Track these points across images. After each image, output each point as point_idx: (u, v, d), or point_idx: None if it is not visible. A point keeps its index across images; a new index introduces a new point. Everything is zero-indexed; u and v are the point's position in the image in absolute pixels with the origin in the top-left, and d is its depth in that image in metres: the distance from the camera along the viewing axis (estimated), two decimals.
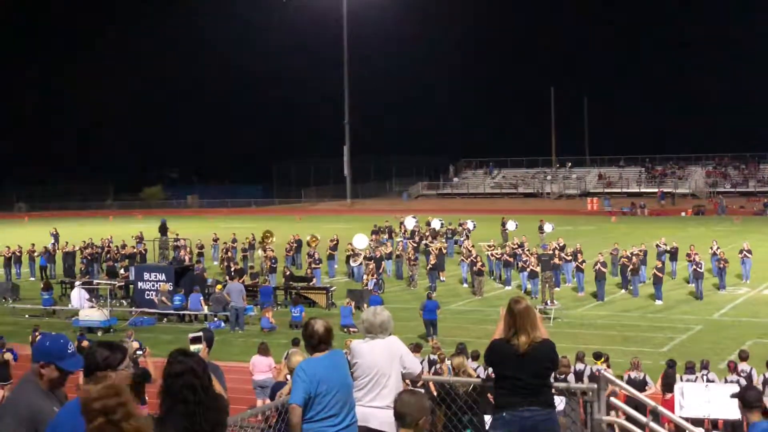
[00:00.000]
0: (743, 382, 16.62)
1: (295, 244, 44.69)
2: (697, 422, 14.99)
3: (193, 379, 5.08)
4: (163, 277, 32.02)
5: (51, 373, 5.26)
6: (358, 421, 6.68)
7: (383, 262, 38.64)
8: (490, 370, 7.31)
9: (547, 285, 32.24)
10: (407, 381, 7.36)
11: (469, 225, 50.84)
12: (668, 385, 16.83)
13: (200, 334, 6.96)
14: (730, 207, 78.50)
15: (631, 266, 34.39)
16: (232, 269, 35.86)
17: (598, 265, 33.29)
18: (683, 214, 75.57)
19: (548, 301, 30.90)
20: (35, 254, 43.72)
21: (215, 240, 48.15)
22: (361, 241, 40.34)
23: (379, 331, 7.14)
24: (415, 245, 43.07)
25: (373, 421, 6.87)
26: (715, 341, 25.89)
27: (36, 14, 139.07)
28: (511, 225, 50.66)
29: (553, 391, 7.16)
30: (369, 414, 6.84)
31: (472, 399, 8.70)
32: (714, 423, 16.05)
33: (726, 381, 16.55)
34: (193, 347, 6.35)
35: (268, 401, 14.03)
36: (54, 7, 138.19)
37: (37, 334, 22.33)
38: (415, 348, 17.67)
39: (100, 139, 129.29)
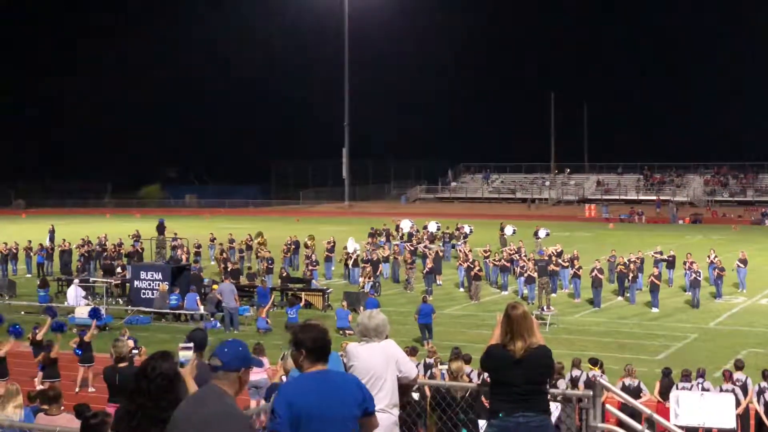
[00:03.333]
0: (738, 391, 16.62)
1: (292, 246, 44.67)
2: (691, 431, 14.99)
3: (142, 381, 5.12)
4: (160, 276, 31.99)
5: (246, 376, 5.28)
6: None
7: (380, 265, 38.64)
8: (486, 375, 7.29)
9: (543, 291, 32.22)
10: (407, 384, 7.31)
11: (466, 229, 50.87)
12: (667, 394, 16.82)
13: (191, 344, 6.89)
14: (728, 216, 78.55)
15: (628, 273, 34.38)
16: (229, 269, 35.87)
17: (595, 271, 33.28)
18: (681, 222, 75.60)
19: (545, 307, 30.87)
20: (32, 251, 43.68)
21: (212, 240, 48.13)
22: (352, 244, 40.62)
23: (374, 335, 7.11)
24: (412, 249, 43.06)
25: None
26: (710, 350, 25.89)
27: (35, 11, 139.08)
28: (508, 230, 50.67)
29: (549, 397, 7.15)
30: None
31: (467, 404, 8.69)
32: (708, 431, 16.05)
33: (721, 390, 16.54)
34: (181, 354, 6.29)
35: (262, 402, 14.01)
36: (54, 4, 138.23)
37: (37, 331, 22.28)
38: (411, 352, 17.66)
39: (98, 137, 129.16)
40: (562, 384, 16.31)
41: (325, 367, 5.62)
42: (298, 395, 5.36)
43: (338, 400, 5.46)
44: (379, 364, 6.98)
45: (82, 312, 29.29)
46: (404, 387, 7.25)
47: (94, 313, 22.70)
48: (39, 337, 20.99)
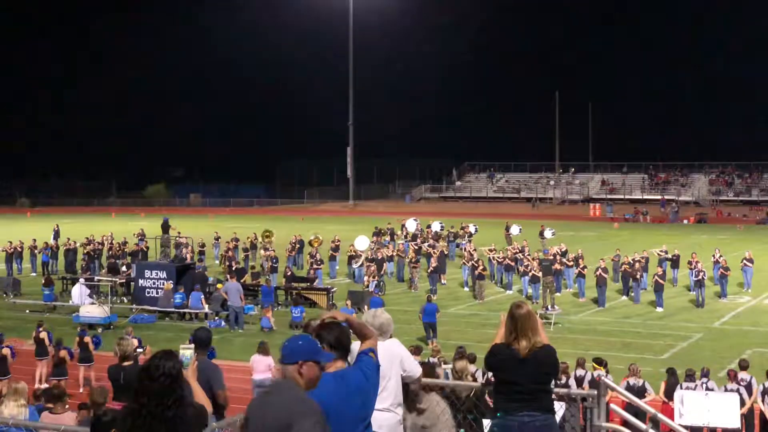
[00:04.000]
0: (743, 390, 16.60)
1: (297, 245, 44.67)
2: (696, 430, 14.97)
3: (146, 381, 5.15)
4: (164, 275, 32.01)
5: (311, 370, 5.25)
6: None
7: (384, 264, 38.63)
8: (490, 374, 7.28)
9: (548, 290, 32.21)
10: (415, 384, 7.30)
11: (471, 228, 50.86)
12: (671, 393, 16.79)
13: (191, 346, 6.93)
14: (733, 215, 78.48)
15: (633, 273, 34.35)
16: (233, 268, 35.89)
17: (600, 271, 33.26)
18: (685, 221, 75.50)
19: (549, 306, 30.86)
20: (37, 250, 43.72)
21: (217, 239, 48.16)
22: (363, 243, 40.37)
23: (378, 334, 7.10)
24: (417, 248, 43.06)
25: (372, 424, 6.83)
26: (715, 349, 25.85)
27: (41, 11, 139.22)
28: (514, 229, 50.64)
29: (553, 396, 7.13)
30: None
31: (472, 403, 8.67)
32: (713, 431, 16.02)
33: (726, 389, 16.51)
34: (182, 352, 6.35)
35: None
36: (60, 5, 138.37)
37: (41, 329, 22.34)
38: (415, 351, 17.63)
39: (104, 136, 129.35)
40: (572, 383, 16.28)
41: (344, 365, 5.61)
42: (320, 394, 5.28)
43: (359, 398, 5.46)
44: (383, 363, 6.97)
45: (86, 310, 29.35)
46: (412, 388, 7.25)
47: (97, 343, 22.82)
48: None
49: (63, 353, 20.27)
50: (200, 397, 6.40)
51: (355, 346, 7.13)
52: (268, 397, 5.22)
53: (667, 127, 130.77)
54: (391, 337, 7.20)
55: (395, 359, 7.05)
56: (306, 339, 5.41)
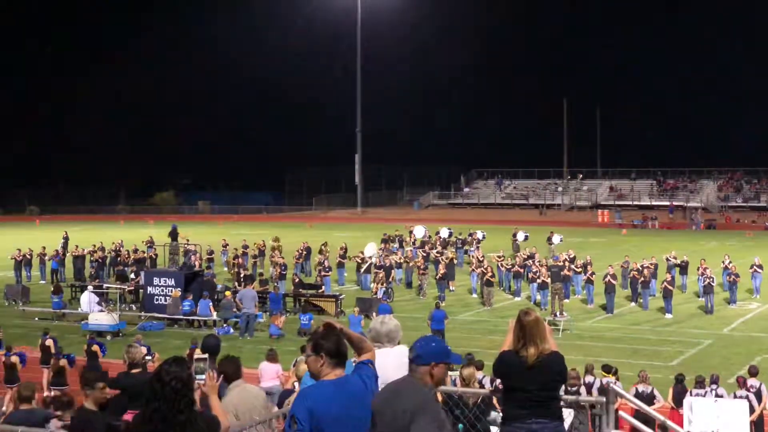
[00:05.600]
0: (752, 397, 16.55)
1: (304, 252, 44.70)
2: None
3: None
4: (173, 282, 32.06)
5: (441, 371, 5.58)
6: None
7: (393, 271, 38.64)
8: (498, 381, 7.27)
9: (556, 297, 32.17)
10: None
11: (479, 235, 50.84)
12: (680, 400, 16.76)
13: (205, 356, 6.97)
14: (742, 221, 78.30)
15: (641, 279, 34.29)
16: (242, 275, 35.94)
17: (608, 277, 33.21)
18: (694, 227, 75.34)
19: (557, 313, 30.82)
20: (46, 257, 43.82)
21: (225, 246, 48.20)
22: (371, 250, 40.48)
23: (386, 341, 7.10)
24: (425, 254, 43.04)
25: None
26: (724, 356, 25.79)
27: (47, 17, 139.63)
28: (520, 236, 50.62)
29: (562, 403, 7.12)
30: None
31: (480, 410, 8.67)
32: None
33: (735, 396, 16.47)
34: (195, 366, 6.41)
35: (275, 409, 14.01)
36: (66, 10, 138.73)
37: (48, 337, 22.39)
38: None
39: (113, 144, 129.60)
40: (583, 391, 16.24)
41: (343, 373, 5.61)
42: (319, 402, 5.33)
43: (359, 406, 5.46)
44: (391, 370, 6.97)
45: (95, 318, 29.40)
46: None
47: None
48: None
49: (63, 362, 20.26)
50: (218, 411, 6.40)
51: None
52: (397, 392, 5.53)
53: (675, 133, 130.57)
54: (399, 344, 7.20)
55: (404, 366, 7.06)
56: (437, 341, 5.75)
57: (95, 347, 22.06)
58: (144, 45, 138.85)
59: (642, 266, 35.39)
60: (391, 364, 6.99)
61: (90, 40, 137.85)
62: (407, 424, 5.25)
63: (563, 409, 7.24)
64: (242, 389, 7.91)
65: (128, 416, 8.89)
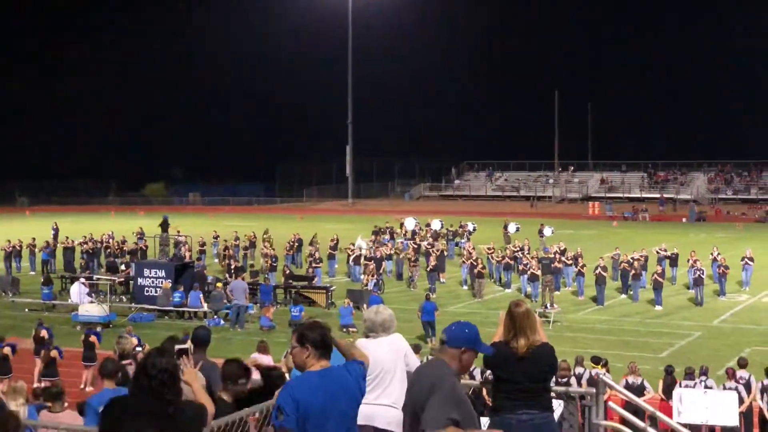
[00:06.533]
0: (742, 389, 16.61)
1: (295, 243, 44.67)
2: (694, 428, 14.97)
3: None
4: (164, 273, 32.02)
5: (470, 357, 5.78)
6: (363, 420, 6.48)
7: (383, 263, 38.64)
8: (489, 372, 7.29)
9: (547, 288, 32.23)
10: None
11: (470, 227, 50.87)
12: (670, 392, 16.81)
13: (186, 346, 6.97)
14: (732, 214, 78.48)
15: (632, 271, 34.37)
16: (233, 267, 35.92)
17: (599, 269, 33.26)
18: (684, 220, 75.50)
19: (548, 305, 30.88)
20: (36, 248, 43.71)
21: (216, 237, 48.15)
22: (360, 243, 40.58)
23: (381, 330, 7.11)
24: (416, 246, 43.07)
25: (379, 420, 6.82)
26: (714, 348, 25.88)
27: (41, 6, 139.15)
28: (512, 228, 50.64)
29: (552, 394, 7.14)
30: (375, 412, 6.76)
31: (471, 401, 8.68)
32: (711, 429, 16.04)
33: (724, 388, 16.53)
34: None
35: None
36: (62, 2, 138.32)
37: (42, 327, 22.37)
38: (414, 349, 17.61)
39: (103, 135, 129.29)
40: (573, 382, 16.28)
41: (328, 364, 5.62)
42: (305, 392, 5.35)
43: (344, 396, 5.47)
44: (387, 358, 6.98)
45: (85, 309, 29.36)
46: None
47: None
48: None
49: (53, 353, 20.23)
50: (203, 398, 6.39)
51: (362, 341, 7.13)
52: (423, 370, 6.01)
53: (666, 125, 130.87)
54: (393, 333, 7.22)
55: (400, 353, 7.08)
56: (471, 327, 5.87)
57: (93, 338, 22.06)
58: (135, 38, 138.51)
59: (632, 258, 35.49)
60: (386, 352, 6.99)
61: (82, 31, 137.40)
62: (425, 400, 5.55)
63: (553, 401, 7.25)
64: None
65: None
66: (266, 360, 19.21)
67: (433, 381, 5.71)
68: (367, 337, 7.15)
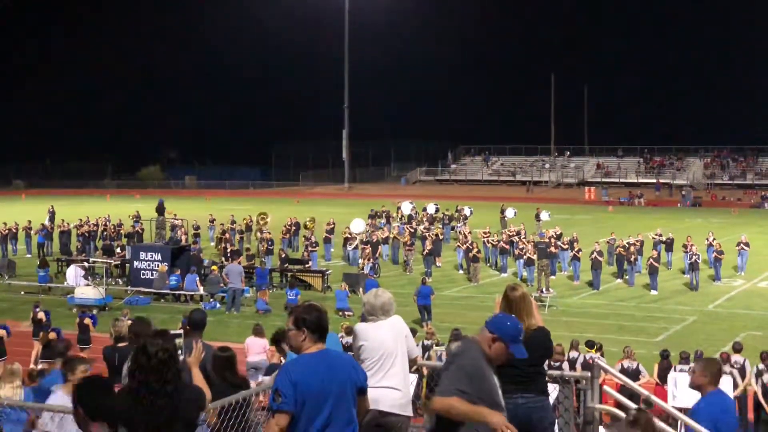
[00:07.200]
0: (736, 373, 16.67)
1: (292, 227, 44.66)
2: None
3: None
4: (160, 256, 31.99)
5: (499, 349, 5.73)
6: None
7: (380, 247, 38.65)
8: None
9: (543, 273, 32.25)
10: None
11: (466, 211, 50.88)
12: (665, 376, 16.86)
13: (180, 331, 7.05)
14: (728, 199, 78.56)
15: (628, 256, 34.41)
16: (229, 250, 35.91)
17: (595, 254, 33.31)
18: (679, 205, 75.59)
19: (544, 289, 30.90)
20: (32, 231, 43.68)
21: (212, 221, 48.14)
22: (358, 226, 40.41)
23: (381, 313, 7.10)
24: (412, 230, 43.06)
25: (382, 403, 6.82)
26: (709, 332, 25.94)
27: None
28: (509, 212, 50.64)
29: (547, 378, 7.16)
30: (378, 395, 6.76)
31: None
32: None
33: None
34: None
35: (264, 380, 14.01)
36: None
37: (38, 309, 22.37)
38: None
39: (99, 118, 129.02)
40: (565, 365, 16.33)
41: (324, 346, 5.63)
42: (303, 374, 5.38)
43: (340, 378, 5.50)
44: (388, 341, 6.97)
45: (81, 292, 29.36)
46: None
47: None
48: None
49: (52, 335, 20.23)
50: (200, 382, 6.42)
51: (362, 326, 7.15)
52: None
53: (662, 111, 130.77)
54: (392, 316, 7.21)
55: (401, 335, 7.07)
56: (514, 323, 5.85)
57: (87, 320, 22.04)
58: (131, 21, 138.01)
59: (628, 243, 35.52)
60: (387, 335, 6.99)
61: (78, 14, 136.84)
62: (444, 370, 5.77)
63: (548, 384, 7.27)
64: None
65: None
66: (261, 343, 19.26)
67: (454, 354, 5.89)
68: (366, 320, 7.15)
